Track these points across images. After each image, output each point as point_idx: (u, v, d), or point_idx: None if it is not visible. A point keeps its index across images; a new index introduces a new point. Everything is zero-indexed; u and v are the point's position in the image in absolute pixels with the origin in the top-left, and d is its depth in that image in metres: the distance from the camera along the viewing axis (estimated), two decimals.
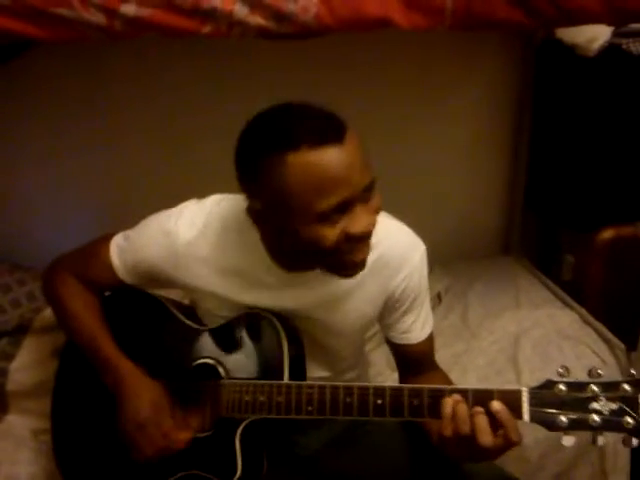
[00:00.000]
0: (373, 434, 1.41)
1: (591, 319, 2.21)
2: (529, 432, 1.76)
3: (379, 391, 1.09)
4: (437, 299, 2.38)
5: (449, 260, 2.54)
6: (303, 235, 1.05)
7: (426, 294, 1.34)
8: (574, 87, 2.27)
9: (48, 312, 1.79)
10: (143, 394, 1.24)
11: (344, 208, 1.03)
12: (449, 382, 1.35)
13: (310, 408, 1.14)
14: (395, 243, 1.26)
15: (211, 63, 2.15)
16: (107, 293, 1.40)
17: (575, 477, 1.86)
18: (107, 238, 1.34)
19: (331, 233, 1.04)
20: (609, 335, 2.11)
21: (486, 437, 1.01)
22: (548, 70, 2.41)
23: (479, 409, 1.02)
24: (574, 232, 2.49)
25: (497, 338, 2.15)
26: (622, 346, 2.04)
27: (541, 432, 1.72)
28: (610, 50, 2.07)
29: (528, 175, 2.65)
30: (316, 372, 1.36)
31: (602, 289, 2.34)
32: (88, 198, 2.37)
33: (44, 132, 2.24)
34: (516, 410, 1.01)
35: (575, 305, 2.31)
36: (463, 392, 1.05)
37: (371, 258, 1.21)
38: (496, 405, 1.02)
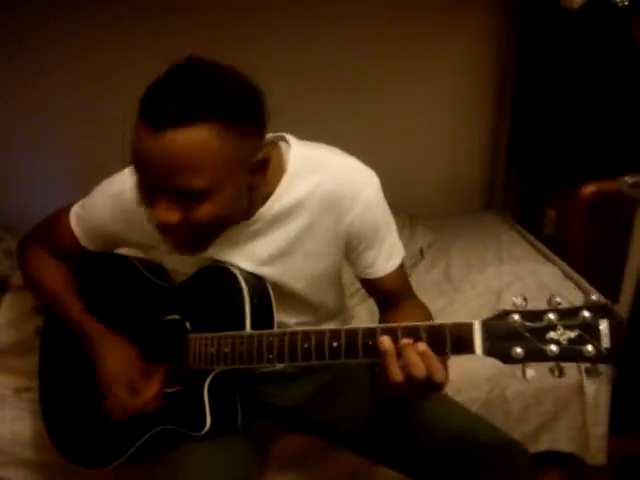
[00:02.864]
0: (351, 389, 1.42)
1: (573, 273, 2.22)
2: (512, 385, 1.81)
3: (335, 334, 1.08)
4: (419, 254, 2.37)
5: (432, 215, 2.52)
6: None
7: (387, 228, 1.30)
8: (558, 40, 2.25)
9: None
10: (112, 354, 1.27)
11: (149, 191, 1.05)
12: (426, 313, 1.33)
13: (271, 356, 1.13)
14: (345, 179, 1.23)
15: (199, 14, 2.13)
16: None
17: (556, 429, 1.88)
18: (67, 209, 1.37)
19: (140, 198, 1.09)
20: (591, 289, 2.12)
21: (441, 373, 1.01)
22: (532, 23, 2.38)
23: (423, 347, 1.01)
24: (556, 187, 2.50)
25: (479, 293, 2.16)
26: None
27: (523, 385, 1.79)
28: (594, 1, 2.04)
29: (511, 130, 2.65)
30: (292, 323, 1.36)
31: (584, 244, 2.36)
32: (65, 158, 2.36)
33: (21, 85, 2.19)
34: (468, 344, 0.98)
35: (557, 259, 2.32)
36: (414, 329, 1.02)
37: (321, 195, 1.21)
38: (421, 346, 1.00)
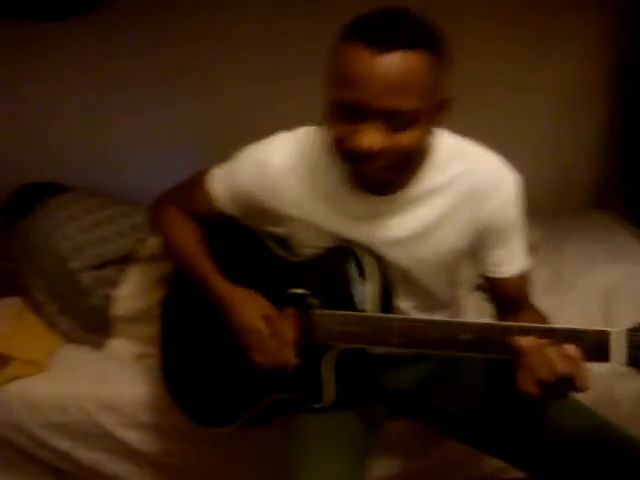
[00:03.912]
0: (464, 376, 1.41)
1: None
2: (620, 384, 1.75)
3: (465, 326, 1.08)
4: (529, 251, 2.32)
5: (543, 212, 2.45)
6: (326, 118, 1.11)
7: (520, 228, 1.30)
8: None
9: (153, 242, 1.86)
10: (247, 305, 1.30)
11: (351, 113, 1.05)
12: (546, 322, 1.30)
13: (395, 340, 1.15)
14: (490, 174, 1.24)
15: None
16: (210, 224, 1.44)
17: None
18: (206, 171, 1.40)
19: (337, 127, 1.09)
20: None
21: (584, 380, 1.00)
22: None
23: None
24: None
25: (591, 292, 2.10)
26: None
27: (634, 384, 1.72)
28: None
29: (625, 128, 2.56)
30: (406, 307, 1.37)
31: None
32: (184, 138, 2.46)
33: (142, 72, 2.31)
34: (607, 351, 0.97)
35: None
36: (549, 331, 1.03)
37: (462, 186, 1.22)
38: (571, 349, 0.99)
